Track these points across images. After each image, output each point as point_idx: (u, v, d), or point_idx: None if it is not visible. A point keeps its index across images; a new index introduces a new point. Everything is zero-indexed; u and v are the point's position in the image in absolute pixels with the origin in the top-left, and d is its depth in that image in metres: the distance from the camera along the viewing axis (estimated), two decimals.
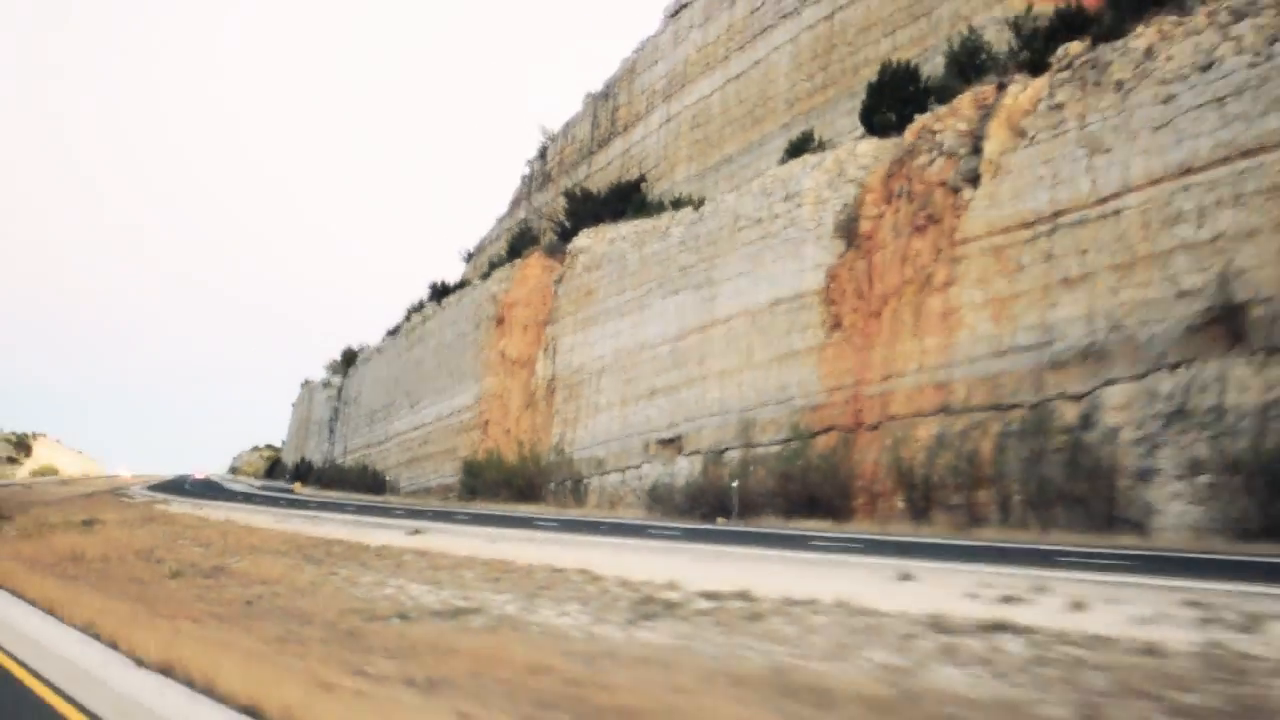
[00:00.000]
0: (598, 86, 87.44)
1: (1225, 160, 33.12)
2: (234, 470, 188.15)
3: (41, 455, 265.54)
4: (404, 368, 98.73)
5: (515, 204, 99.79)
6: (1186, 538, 31.60)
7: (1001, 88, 42.50)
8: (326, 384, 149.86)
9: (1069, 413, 36.88)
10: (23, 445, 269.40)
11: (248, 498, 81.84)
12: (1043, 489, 36.55)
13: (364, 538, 36.50)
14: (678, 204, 64.25)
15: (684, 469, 53.96)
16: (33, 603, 19.49)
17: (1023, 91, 41.10)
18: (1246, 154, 32.58)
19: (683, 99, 71.72)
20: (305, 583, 22.99)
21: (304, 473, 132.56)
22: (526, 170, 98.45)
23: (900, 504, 41.62)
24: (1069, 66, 39.50)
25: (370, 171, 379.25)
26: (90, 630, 15.92)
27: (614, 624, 17.04)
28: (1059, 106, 38.99)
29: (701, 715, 10.73)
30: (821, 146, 53.77)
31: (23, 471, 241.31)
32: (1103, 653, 13.78)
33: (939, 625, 15.98)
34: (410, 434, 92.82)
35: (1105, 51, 38.10)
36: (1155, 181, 35.09)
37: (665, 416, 57.26)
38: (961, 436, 40.11)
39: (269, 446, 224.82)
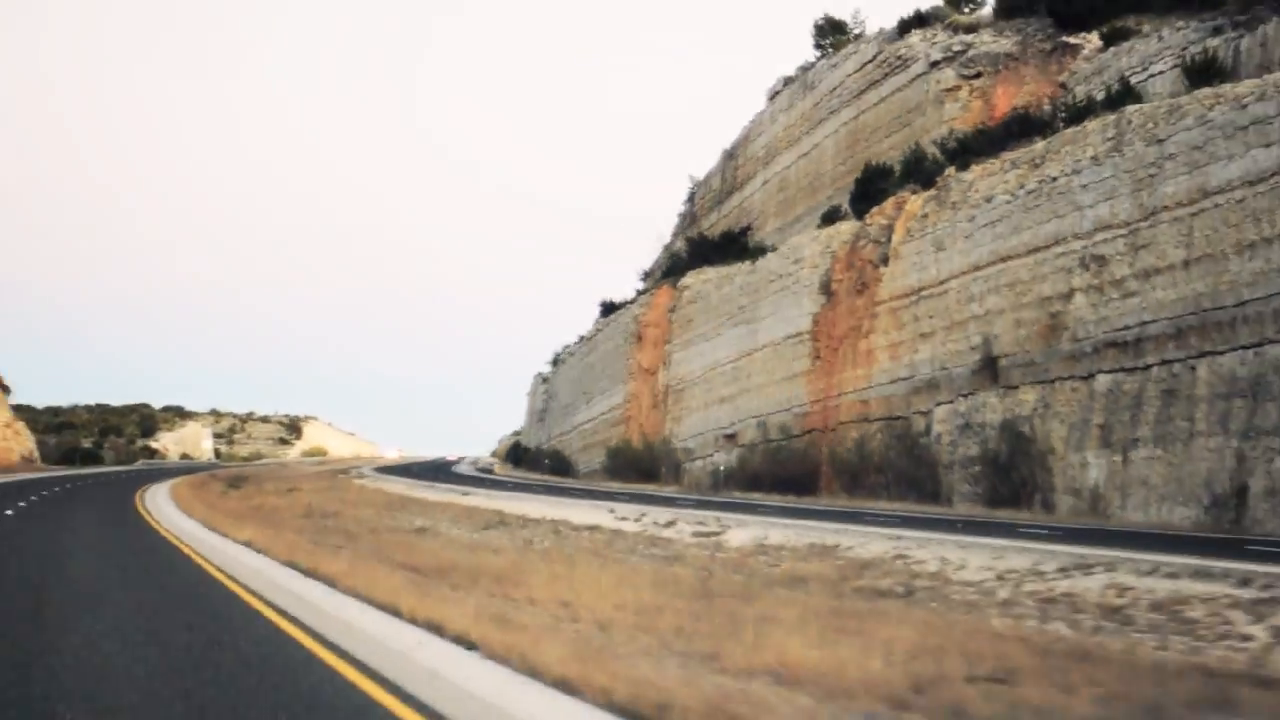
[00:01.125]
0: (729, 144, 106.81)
1: (991, 263, 51.64)
2: (494, 454, 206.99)
3: (312, 437, 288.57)
4: (583, 369, 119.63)
5: (674, 236, 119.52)
6: (967, 506, 50.08)
7: (912, 193, 61.07)
8: (544, 379, 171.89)
9: (919, 423, 55.69)
10: (294, 428, 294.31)
11: (445, 476, 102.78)
12: (901, 474, 55.47)
13: (469, 501, 56.77)
14: (759, 252, 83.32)
15: (736, 457, 73.63)
16: (223, 532, 39.35)
17: (914, 201, 59.70)
18: (1001, 259, 51.04)
19: (774, 167, 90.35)
20: (368, 515, 43.45)
21: (519, 456, 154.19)
22: (682, 208, 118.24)
23: (837, 483, 60.73)
24: (935, 186, 58.07)
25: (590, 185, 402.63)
26: (250, 545, 35.65)
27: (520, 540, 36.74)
28: (926, 216, 57.65)
29: (532, 573, 30.19)
30: (844, 219, 72.50)
31: (293, 452, 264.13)
32: (815, 561, 33.11)
33: (710, 542, 35.53)
34: (585, 425, 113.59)
35: (951, 180, 56.62)
36: (962, 273, 53.68)
37: (728, 418, 76.93)
38: (870, 438, 59.11)
39: (515, 433, 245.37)
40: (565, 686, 10.55)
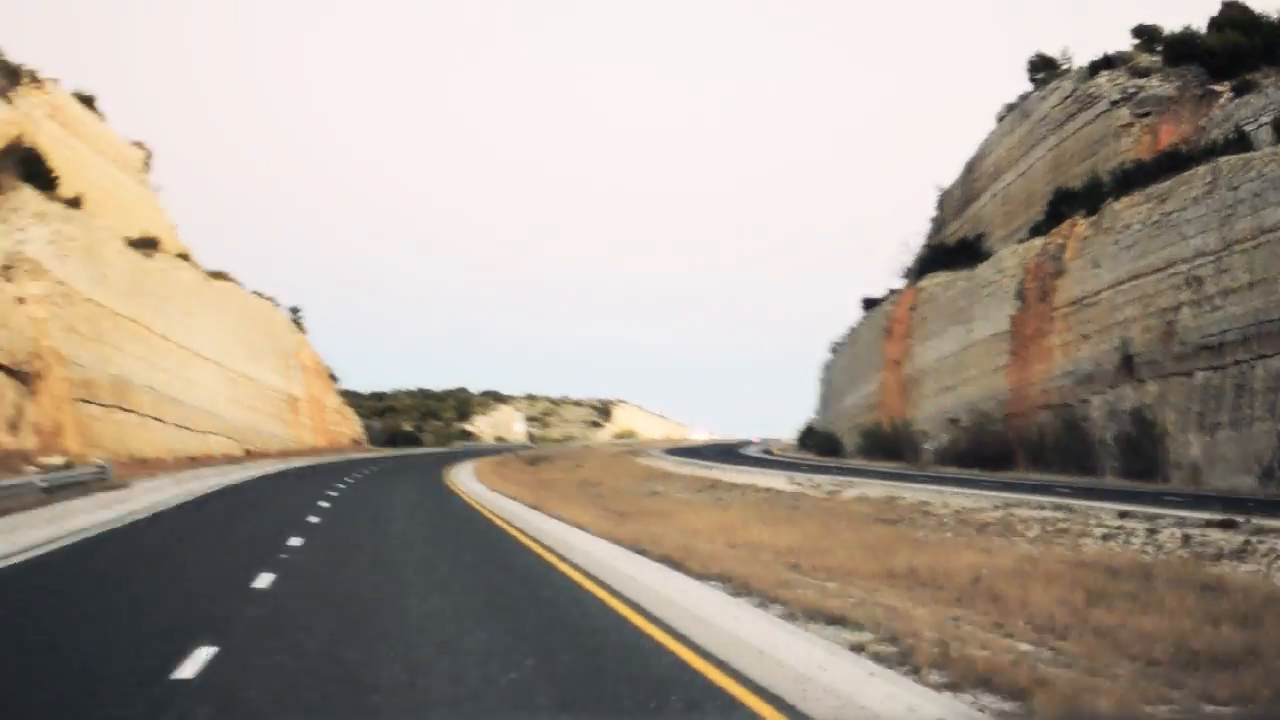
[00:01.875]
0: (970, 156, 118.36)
1: (1128, 279, 63.46)
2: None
3: (622, 420, 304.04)
4: (850, 358, 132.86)
5: (926, 239, 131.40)
6: (1113, 479, 62.03)
7: (1083, 217, 72.79)
8: (826, 364, 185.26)
9: (1081, 410, 67.73)
10: (605, 411, 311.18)
11: (719, 456, 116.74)
12: (1067, 451, 67.52)
13: (706, 473, 70.87)
14: (981, 260, 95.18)
15: (948, 437, 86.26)
16: (501, 492, 53.97)
17: (1081, 224, 71.49)
18: (1134, 277, 62.81)
19: (999, 183, 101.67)
20: (624, 484, 57.98)
21: (805, 439, 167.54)
22: (934, 214, 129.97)
23: (1024, 460, 73.01)
24: (1098, 213, 69.83)
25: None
26: (515, 499, 50.02)
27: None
28: (1087, 238, 69.53)
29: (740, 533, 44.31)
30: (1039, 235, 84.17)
31: (603, 435, 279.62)
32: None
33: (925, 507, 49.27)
34: (849, 409, 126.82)
35: (1107, 209, 68.34)
36: (1109, 287, 65.53)
37: (950, 404, 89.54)
38: (1047, 422, 71.36)
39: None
40: (668, 561, 23.54)
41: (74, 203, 69.42)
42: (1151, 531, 28.11)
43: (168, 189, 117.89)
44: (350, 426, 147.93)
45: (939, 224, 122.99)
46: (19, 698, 11.23)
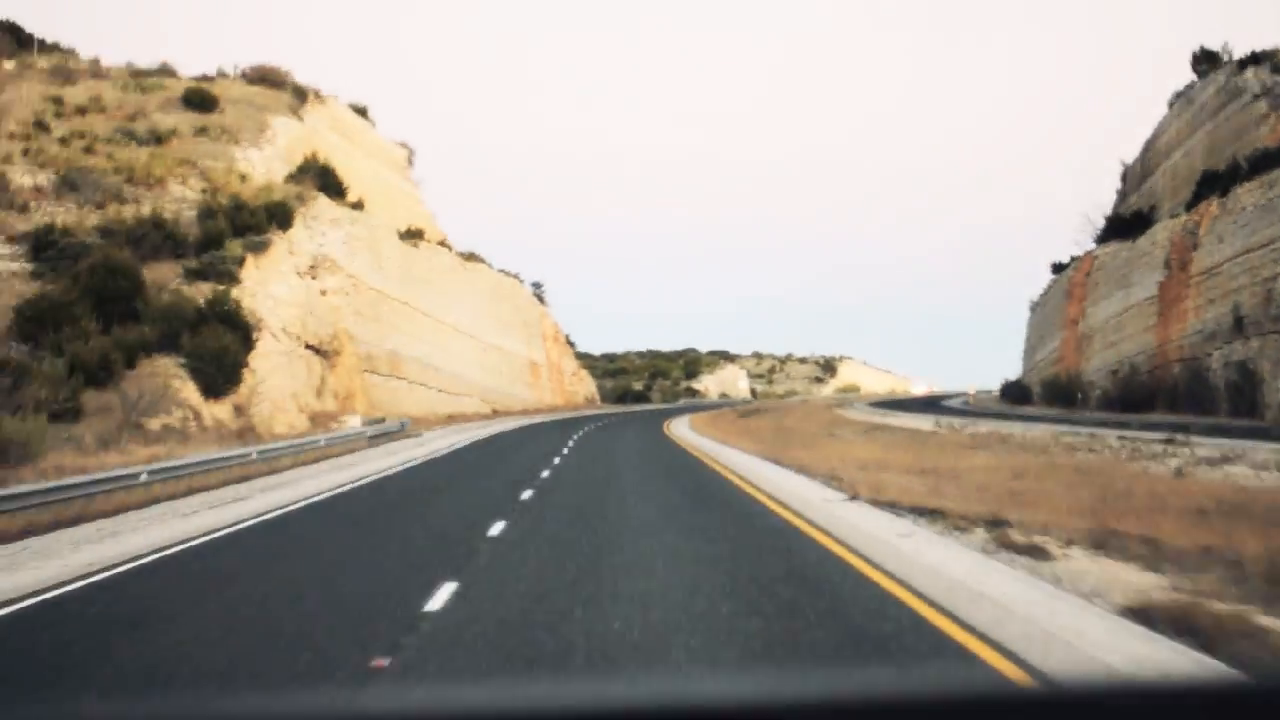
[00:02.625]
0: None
1: (1242, 253, 73.90)
2: None
3: (846, 375, 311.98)
4: (1041, 316, 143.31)
5: (1113, 208, 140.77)
6: (1226, 418, 72.85)
7: (1216, 197, 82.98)
8: (1028, 322, 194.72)
9: (1206, 362, 78.40)
10: (829, 367, 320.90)
11: (916, 408, 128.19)
12: (1194, 396, 78.22)
13: (879, 419, 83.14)
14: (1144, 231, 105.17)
15: (1107, 387, 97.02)
16: (705, 435, 67.32)
17: (1213, 205, 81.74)
18: (1246, 251, 73.25)
19: (1169, 161, 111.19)
20: (810, 429, 70.82)
21: (1005, 390, 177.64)
22: (1119, 185, 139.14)
23: (1162, 405, 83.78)
24: (1225, 195, 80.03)
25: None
26: (713, 439, 63.34)
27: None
28: (1217, 216, 79.89)
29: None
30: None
31: (827, 390, 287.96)
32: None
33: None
34: (1040, 362, 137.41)
35: (1233, 191, 78.57)
36: (1228, 259, 76.02)
37: (1113, 358, 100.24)
38: (1180, 373, 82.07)
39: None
40: (797, 468, 36.46)
41: (357, 205, 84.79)
42: (1123, 439, 40.34)
43: (426, 181, 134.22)
44: (585, 387, 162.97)
45: (1122, 196, 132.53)
46: (409, 530, 24.85)
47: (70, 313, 53.32)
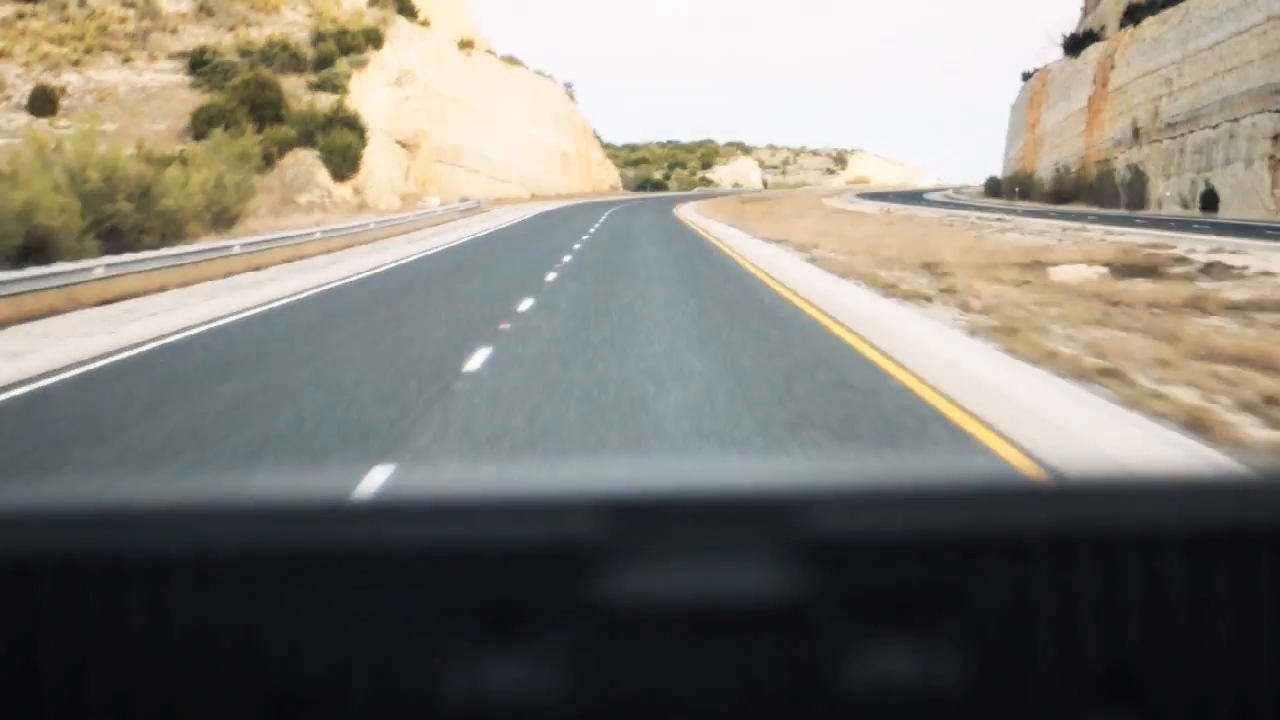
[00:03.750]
0: None
1: (1138, 78, 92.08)
2: None
3: (856, 167, 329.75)
4: (1014, 121, 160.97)
5: (1078, 24, 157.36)
6: (1125, 209, 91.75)
7: (1134, 25, 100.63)
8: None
9: (1113, 164, 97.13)
10: (840, 159, 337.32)
11: (899, 199, 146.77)
12: (1102, 193, 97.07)
13: (846, 206, 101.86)
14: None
15: (1045, 182, 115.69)
16: (701, 213, 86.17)
17: (1128, 33, 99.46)
18: (1142, 75, 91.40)
19: None
20: (788, 210, 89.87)
21: (987, 185, 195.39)
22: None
23: (1082, 200, 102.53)
24: (1138, 25, 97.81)
25: None
26: (706, 215, 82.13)
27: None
28: (1128, 45, 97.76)
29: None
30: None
31: (837, 181, 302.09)
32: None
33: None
34: (1010, 159, 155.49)
35: (1145, 21, 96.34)
36: (1129, 81, 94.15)
37: (1055, 159, 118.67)
38: (1096, 174, 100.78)
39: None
40: (769, 241, 55.47)
41: (425, 23, 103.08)
42: (983, 218, 59.54)
43: None
44: (609, 175, 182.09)
45: (1084, 14, 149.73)
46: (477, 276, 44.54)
47: (234, 117, 72.32)
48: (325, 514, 0.85)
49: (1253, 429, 10.78)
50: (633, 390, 13.31)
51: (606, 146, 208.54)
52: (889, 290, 24.85)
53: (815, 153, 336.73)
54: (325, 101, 77.33)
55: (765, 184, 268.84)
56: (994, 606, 0.84)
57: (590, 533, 0.83)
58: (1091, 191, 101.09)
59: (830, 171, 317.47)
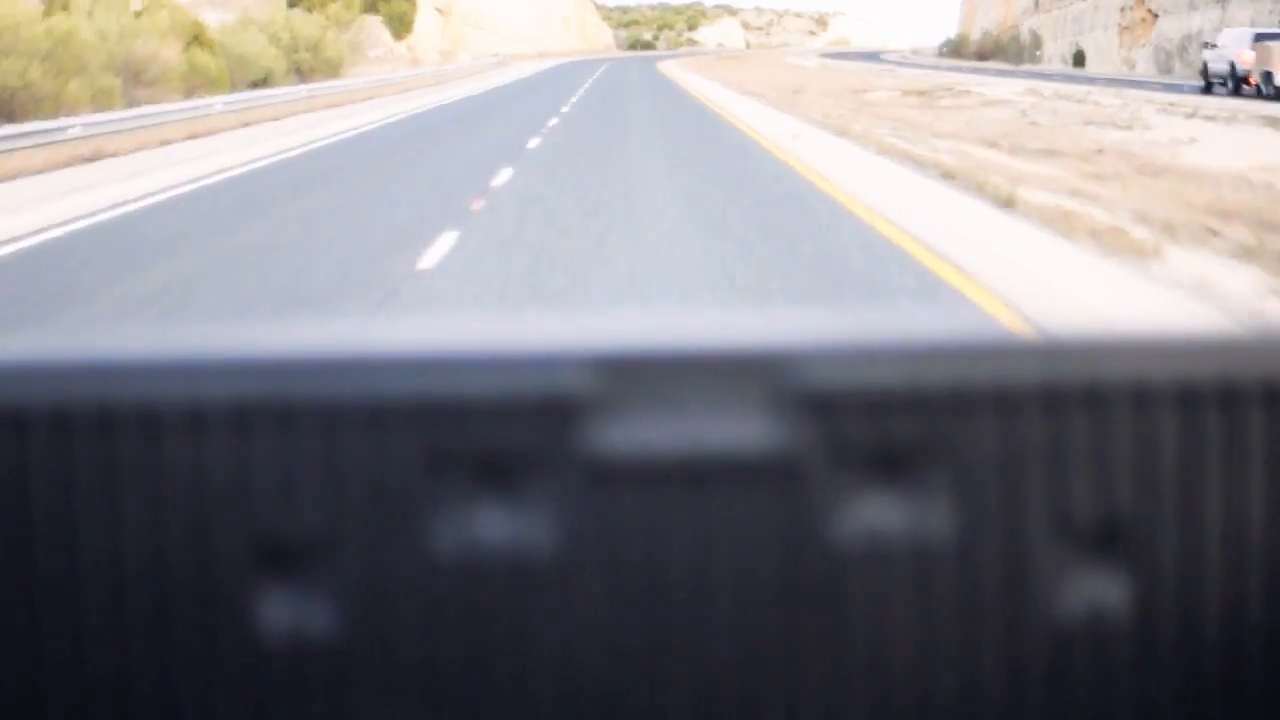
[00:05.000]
0: None
1: None
2: None
3: (837, 30, 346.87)
4: None
5: None
6: (1030, 65, 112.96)
7: None
8: None
9: (1020, 30, 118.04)
10: (822, 22, 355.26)
11: (858, 58, 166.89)
12: (1011, 51, 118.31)
13: (800, 62, 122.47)
14: None
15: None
16: (680, 68, 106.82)
17: None
18: None
19: None
20: (764, 63, 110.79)
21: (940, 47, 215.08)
22: None
23: (992, 57, 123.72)
24: None
25: None
26: (685, 70, 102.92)
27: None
28: None
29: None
30: None
31: (818, 43, 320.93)
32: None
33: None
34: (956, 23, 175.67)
35: None
36: None
37: (981, 26, 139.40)
38: (1007, 34, 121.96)
39: None
40: (713, 80, 76.45)
41: None
42: (894, 68, 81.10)
43: None
44: (604, 36, 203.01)
45: None
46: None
47: None
48: (317, 364, 0.89)
49: (864, 127, 32.78)
50: (624, 112, 35.38)
51: (600, 8, 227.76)
52: (761, 100, 46.64)
53: (799, 15, 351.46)
54: None
55: (748, 45, 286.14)
56: (984, 459, 0.79)
57: (582, 385, 0.78)
58: (1003, 51, 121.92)
59: (812, 34, 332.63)
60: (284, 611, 0.74)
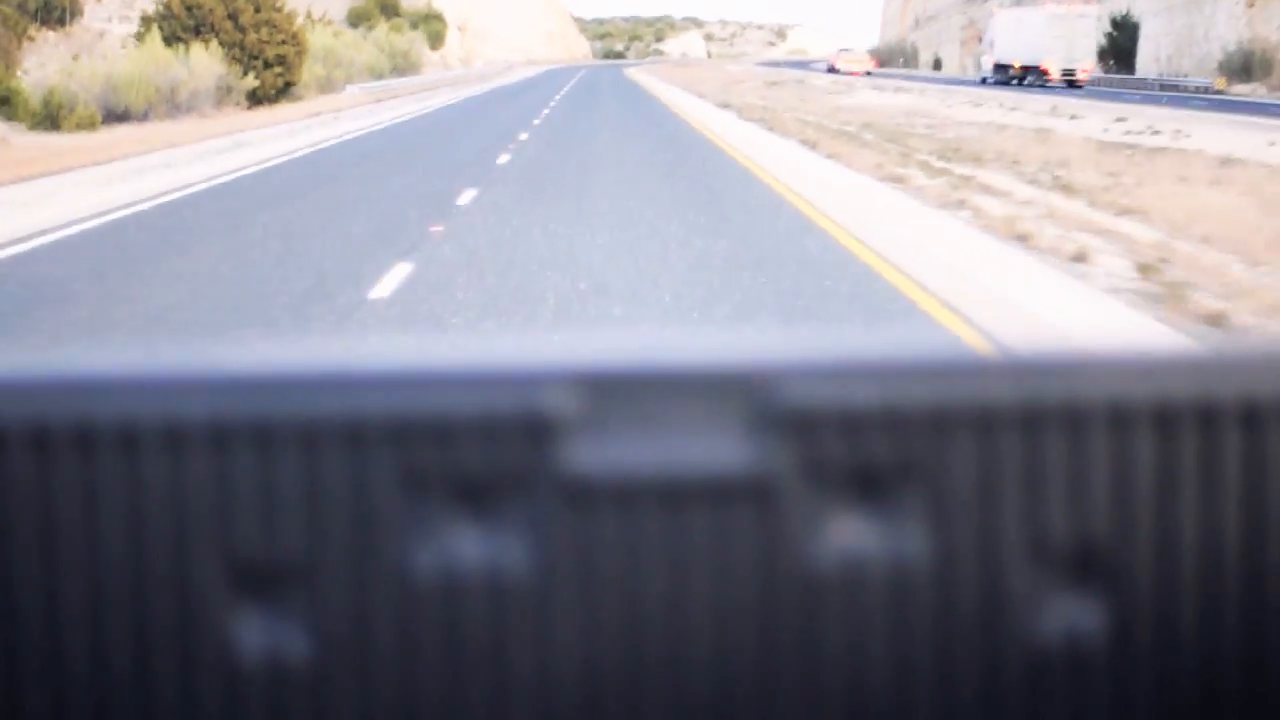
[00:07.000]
0: None
1: None
2: None
3: (796, 40, 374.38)
4: None
5: None
6: None
7: None
8: None
9: (912, 43, 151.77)
10: (781, 34, 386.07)
11: (788, 67, 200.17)
12: (905, 59, 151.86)
13: (734, 70, 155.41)
14: None
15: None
16: (644, 74, 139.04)
17: None
18: None
19: None
20: (711, 74, 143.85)
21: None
22: None
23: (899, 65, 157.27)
24: None
25: None
26: (650, 77, 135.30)
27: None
28: None
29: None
30: None
31: (776, 53, 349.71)
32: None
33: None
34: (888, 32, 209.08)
35: None
36: None
37: (894, 37, 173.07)
38: (904, 49, 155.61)
39: None
40: (660, 79, 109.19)
41: None
42: (803, 74, 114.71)
43: None
44: (582, 47, 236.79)
45: None
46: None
47: (369, 11, 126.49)
48: (296, 381, 0.83)
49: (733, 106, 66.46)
50: (600, 97, 69.07)
51: (578, 20, 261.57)
52: (680, 86, 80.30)
53: (760, 28, 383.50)
54: (421, 2, 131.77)
55: (709, 55, 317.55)
56: (961, 480, 0.80)
57: (561, 404, 0.80)
58: (895, 58, 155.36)
59: (771, 44, 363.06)
60: (261, 632, 0.65)
